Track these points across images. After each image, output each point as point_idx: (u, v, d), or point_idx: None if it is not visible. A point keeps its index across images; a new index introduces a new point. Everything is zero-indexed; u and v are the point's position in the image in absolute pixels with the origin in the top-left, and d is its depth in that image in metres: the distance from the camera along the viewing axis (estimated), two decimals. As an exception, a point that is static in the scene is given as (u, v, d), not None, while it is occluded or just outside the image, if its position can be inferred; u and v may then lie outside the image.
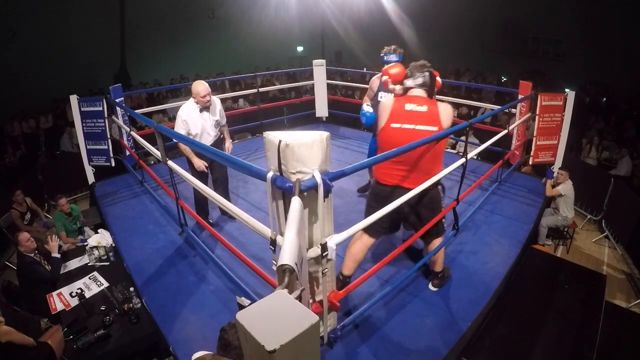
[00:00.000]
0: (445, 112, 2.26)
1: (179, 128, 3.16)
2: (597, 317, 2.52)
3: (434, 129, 2.21)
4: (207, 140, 3.28)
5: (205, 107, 3.18)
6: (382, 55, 3.21)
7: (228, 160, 2.05)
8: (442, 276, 2.77)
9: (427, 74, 2.30)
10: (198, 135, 3.22)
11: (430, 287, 2.77)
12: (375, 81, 3.37)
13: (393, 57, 3.15)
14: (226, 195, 3.49)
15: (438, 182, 2.44)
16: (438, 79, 2.41)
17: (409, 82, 2.32)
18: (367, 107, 3.14)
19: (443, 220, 2.63)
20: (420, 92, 2.32)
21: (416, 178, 2.28)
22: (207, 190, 2.58)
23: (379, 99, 3.23)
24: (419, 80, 2.29)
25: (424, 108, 2.22)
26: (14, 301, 3.28)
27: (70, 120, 7.34)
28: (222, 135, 3.50)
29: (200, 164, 3.21)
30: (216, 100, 3.33)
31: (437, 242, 2.62)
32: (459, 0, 12.00)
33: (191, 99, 3.17)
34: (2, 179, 6.24)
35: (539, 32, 11.87)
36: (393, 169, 2.32)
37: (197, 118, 3.17)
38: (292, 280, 1.18)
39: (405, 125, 2.22)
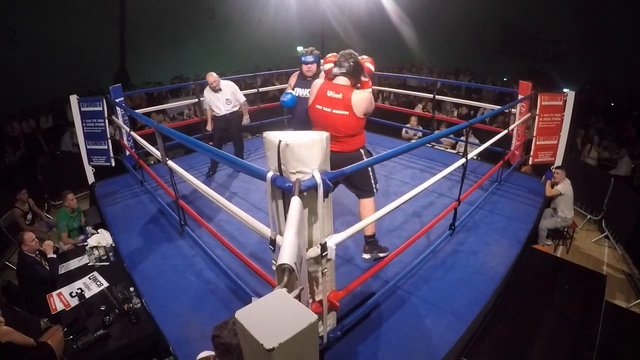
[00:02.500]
0: (359, 99, 2.54)
1: (204, 102, 4.64)
2: (597, 317, 2.52)
3: (345, 113, 2.55)
4: (220, 111, 4.51)
5: (216, 90, 4.44)
6: (299, 56, 3.60)
7: (228, 161, 2.05)
8: (373, 242, 2.88)
9: (351, 63, 2.60)
10: (211, 106, 4.54)
11: (363, 255, 2.91)
12: (293, 78, 3.74)
13: (310, 58, 3.53)
14: (239, 153, 4.78)
15: (360, 147, 2.72)
16: (369, 65, 2.84)
17: (335, 70, 2.63)
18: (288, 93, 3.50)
19: (373, 182, 2.81)
20: (343, 80, 2.61)
21: (339, 145, 2.63)
22: (206, 190, 2.59)
23: (295, 94, 3.57)
24: (343, 69, 2.60)
25: (339, 95, 2.56)
26: (14, 301, 3.28)
27: (70, 120, 7.34)
28: (240, 110, 4.66)
29: (208, 128, 4.76)
30: (227, 84, 4.53)
31: (366, 201, 2.79)
32: (459, 0, 12.00)
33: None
34: (2, 179, 6.23)
35: (539, 32, 11.86)
36: None
37: (211, 96, 4.50)
38: (292, 280, 1.19)
39: (325, 108, 2.60)
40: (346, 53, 2.65)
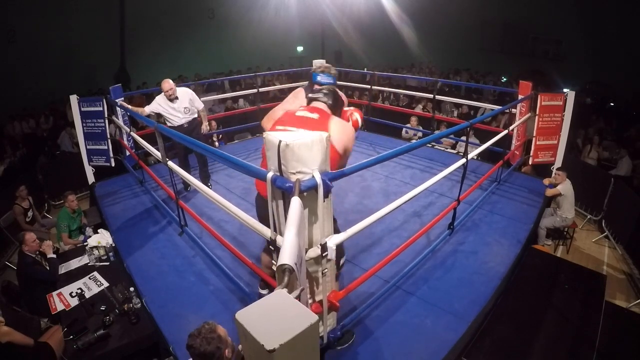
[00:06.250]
0: (341, 126, 2.09)
1: (151, 105, 4.13)
2: (597, 317, 2.52)
3: None
4: (177, 120, 4.10)
5: (172, 99, 4.03)
6: (312, 73, 2.81)
7: (228, 160, 2.05)
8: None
9: (334, 96, 2.23)
10: (166, 117, 4.12)
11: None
12: (301, 92, 2.89)
13: (327, 79, 2.77)
14: (204, 168, 4.35)
15: None
16: (357, 117, 2.54)
17: (312, 95, 2.24)
18: None
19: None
20: (322, 106, 2.19)
21: None
22: (206, 190, 2.59)
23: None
24: (322, 97, 2.20)
25: (314, 115, 2.09)
26: (14, 301, 3.28)
27: (71, 120, 7.34)
28: (198, 118, 4.26)
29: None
30: (185, 91, 4.15)
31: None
32: (459, 1, 12.01)
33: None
34: (2, 179, 6.23)
35: (539, 32, 11.88)
36: None
37: (166, 106, 4.06)
38: (292, 280, 1.19)
39: (289, 128, 2.04)
40: (330, 88, 2.27)
